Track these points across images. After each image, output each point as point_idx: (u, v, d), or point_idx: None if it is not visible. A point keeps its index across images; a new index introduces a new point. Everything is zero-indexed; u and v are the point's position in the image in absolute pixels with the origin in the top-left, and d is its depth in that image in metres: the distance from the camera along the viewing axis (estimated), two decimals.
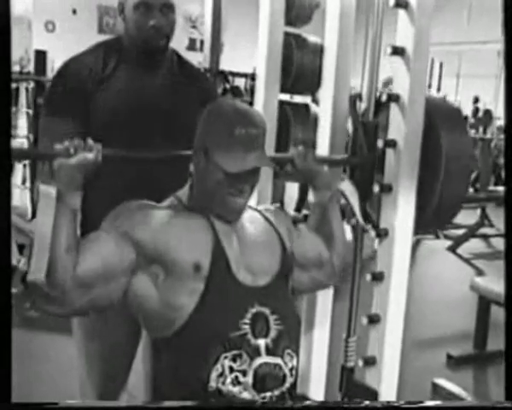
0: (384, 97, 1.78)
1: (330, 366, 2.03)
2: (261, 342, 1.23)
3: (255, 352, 1.22)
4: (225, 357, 1.20)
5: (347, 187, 1.58)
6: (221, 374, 1.20)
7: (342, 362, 1.90)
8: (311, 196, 1.53)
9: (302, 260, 1.44)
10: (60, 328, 2.02)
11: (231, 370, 1.20)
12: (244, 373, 1.21)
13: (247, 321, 1.24)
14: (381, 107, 1.86)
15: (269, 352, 1.24)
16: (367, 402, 1.74)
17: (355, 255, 1.88)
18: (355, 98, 1.86)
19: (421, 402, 1.28)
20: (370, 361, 1.83)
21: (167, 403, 1.23)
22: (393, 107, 1.78)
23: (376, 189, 1.77)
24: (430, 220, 1.83)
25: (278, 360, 1.25)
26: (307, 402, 1.38)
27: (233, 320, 1.23)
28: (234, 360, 1.21)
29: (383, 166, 1.81)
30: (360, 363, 1.84)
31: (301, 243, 1.46)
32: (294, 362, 1.29)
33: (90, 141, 1.24)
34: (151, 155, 1.44)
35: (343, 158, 1.87)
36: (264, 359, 1.23)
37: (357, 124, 1.81)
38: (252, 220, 1.39)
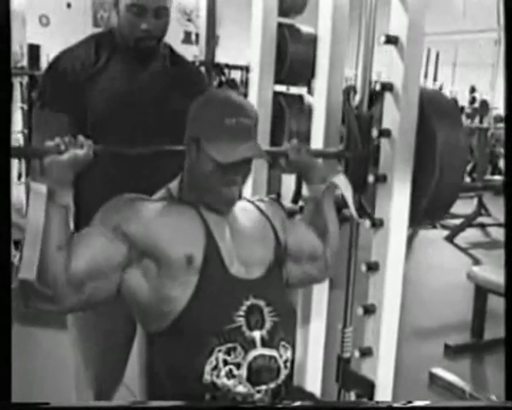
0: (378, 86, 1.77)
1: (326, 356, 2.03)
2: (256, 334, 1.23)
3: (250, 344, 1.22)
4: (219, 350, 1.20)
5: (341, 181, 1.58)
6: (215, 367, 1.20)
7: (338, 353, 1.90)
8: (305, 190, 1.53)
9: (296, 253, 1.44)
10: (57, 323, 2.02)
11: (225, 363, 1.20)
12: (238, 366, 1.20)
13: (241, 314, 1.23)
14: (375, 99, 1.85)
15: (264, 344, 1.23)
16: (366, 402, 1.75)
17: (350, 246, 1.88)
18: (349, 90, 1.85)
19: (421, 403, 1.28)
20: (367, 352, 1.83)
21: (165, 403, 1.22)
22: (387, 96, 1.77)
23: (371, 179, 1.77)
24: (424, 214, 1.82)
25: (274, 352, 1.24)
26: (307, 402, 1.37)
27: (227, 313, 1.23)
28: (228, 353, 1.20)
29: (378, 160, 1.80)
30: (356, 354, 1.84)
31: (295, 235, 1.45)
32: (289, 354, 1.28)
33: (80, 137, 1.23)
34: (143, 151, 1.43)
35: (337, 151, 1.86)
36: (259, 351, 1.22)
37: (351, 116, 1.80)
38: (245, 211, 1.38)
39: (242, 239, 1.32)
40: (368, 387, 1.81)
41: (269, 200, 1.50)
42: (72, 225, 1.66)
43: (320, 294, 1.98)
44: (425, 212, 1.81)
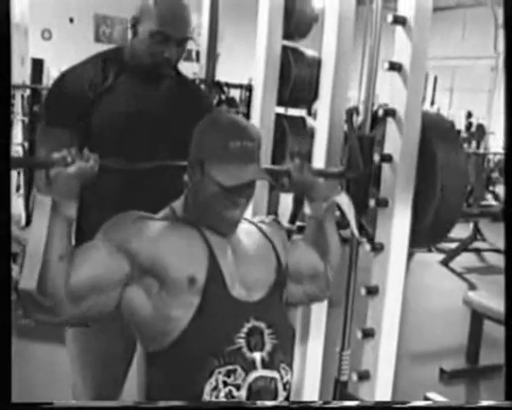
0: (380, 112, 1.79)
1: (324, 379, 2.02)
2: (257, 356, 1.23)
3: (250, 365, 1.22)
4: (219, 372, 1.20)
5: (343, 199, 1.59)
6: (215, 388, 1.20)
7: (336, 375, 1.90)
8: (306, 209, 1.53)
9: (296, 273, 1.44)
10: (54, 337, 2.01)
11: (225, 384, 1.20)
12: (238, 388, 1.20)
13: (242, 335, 1.23)
14: (377, 121, 1.87)
15: (265, 365, 1.23)
16: (366, 402, 1.74)
17: (350, 268, 1.89)
18: (351, 111, 1.87)
19: (422, 403, 1.27)
20: (364, 375, 1.83)
21: (163, 403, 1.22)
22: (390, 121, 1.79)
23: (372, 203, 1.78)
24: (424, 236, 1.84)
25: (274, 374, 1.24)
26: (306, 402, 1.37)
27: (228, 335, 1.23)
28: (228, 375, 1.20)
29: (379, 181, 1.82)
30: (354, 377, 1.84)
31: (296, 255, 1.46)
32: (289, 377, 1.29)
33: (86, 151, 1.24)
34: (148, 166, 1.44)
35: (339, 171, 1.88)
36: (260, 372, 1.22)
37: (352, 137, 1.82)
38: (246, 233, 1.38)
39: (244, 262, 1.32)
40: None
41: (270, 220, 1.50)
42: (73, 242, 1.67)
43: (318, 316, 1.97)
44: (426, 233, 1.82)
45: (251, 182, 1.30)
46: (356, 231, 1.62)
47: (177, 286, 1.23)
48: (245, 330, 1.24)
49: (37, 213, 1.19)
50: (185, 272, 1.23)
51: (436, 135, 1.80)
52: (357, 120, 1.91)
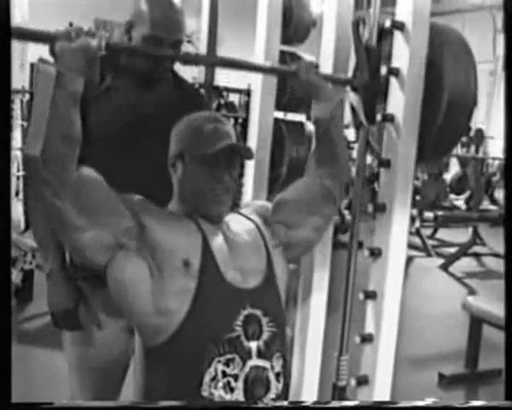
0: (387, 23, 1.78)
1: (322, 384, 2.02)
2: (253, 345, 1.24)
3: (247, 354, 1.22)
4: (219, 361, 1.20)
5: (351, 96, 1.63)
6: (213, 378, 1.20)
7: (334, 381, 1.89)
8: (313, 112, 1.54)
9: (294, 219, 1.46)
10: (53, 342, 2.01)
11: (224, 374, 1.20)
12: (236, 378, 1.21)
13: (239, 323, 1.24)
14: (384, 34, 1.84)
15: (260, 355, 1.24)
16: (366, 402, 1.73)
17: (348, 273, 1.88)
18: (358, 22, 1.84)
19: (422, 403, 1.27)
20: (363, 380, 1.82)
21: (165, 403, 1.22)
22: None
23: (379, 117, 1.78)
24: (429, 151, 1.82)
25: (267, 364, 1.25)
26: (305, 402, 1.37)
27: (226, 321, 1.24)
28: (227, 364, 1.20)
29: (386, 94, 1.80)
30: (352, 382, 1.84)
31: (286, 208, 1.47)
32: (281, 365, 1.28)
33: (92, 28, 1.25)
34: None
35: (346, 78, 1.85)
36: (254, 361, 1.23)
37: (359, 47, 1.78)
38: (238, 223, 1.41)
39: (237, 248, 1.34)
40: None
41: (255, 205, 1.52)
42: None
43: (317, 321, 1.97)
44: (431, 147, 1.81)
45: (232, 155, 1.33)
46: (364, 120, 1.65)
47: (172, 268, 1.24)
48: (241, 317, 1.24)
49: (41, 83, 1.18)
50: (179, 255, 1.25)
51: (446, 53, 1.77)
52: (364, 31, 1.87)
